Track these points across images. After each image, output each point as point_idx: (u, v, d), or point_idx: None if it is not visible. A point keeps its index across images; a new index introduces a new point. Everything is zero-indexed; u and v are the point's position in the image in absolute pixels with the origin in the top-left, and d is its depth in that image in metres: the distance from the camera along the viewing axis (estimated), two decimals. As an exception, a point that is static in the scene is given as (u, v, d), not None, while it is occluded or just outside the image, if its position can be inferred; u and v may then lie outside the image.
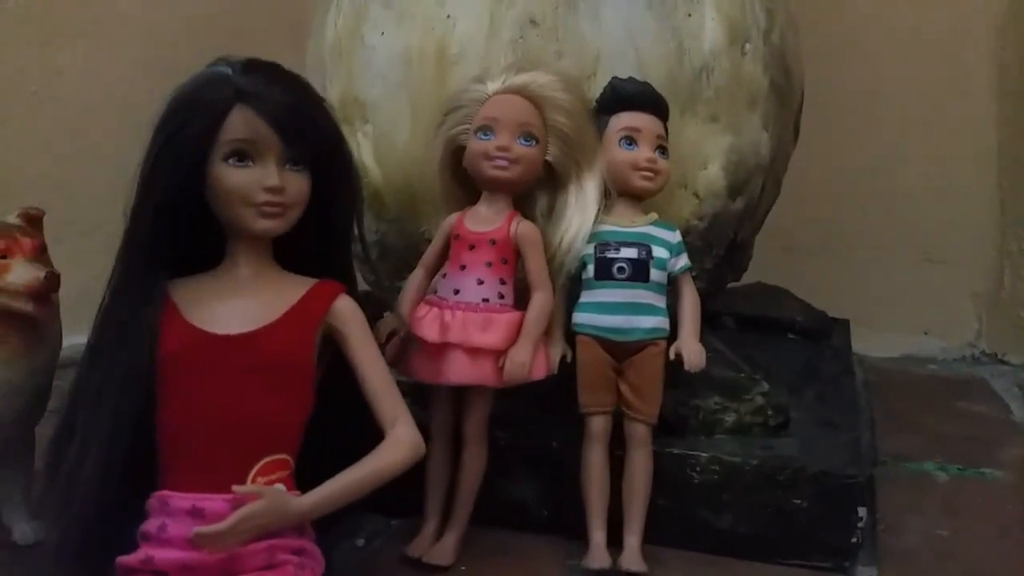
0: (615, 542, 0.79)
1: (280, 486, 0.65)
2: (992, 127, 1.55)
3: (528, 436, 0.86)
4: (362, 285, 1.00)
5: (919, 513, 0.91)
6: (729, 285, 1.34)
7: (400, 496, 0.81)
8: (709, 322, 1.24)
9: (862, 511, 0.76)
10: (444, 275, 0.81)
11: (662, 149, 0.84)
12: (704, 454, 0.81)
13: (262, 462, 0.65)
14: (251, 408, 0.66)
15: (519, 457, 0.86)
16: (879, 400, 1.30)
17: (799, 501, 0.77)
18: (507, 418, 0.85)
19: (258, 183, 0.67)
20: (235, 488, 0.62)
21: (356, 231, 0.77)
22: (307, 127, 0.69)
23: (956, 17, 1.54)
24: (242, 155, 0.67)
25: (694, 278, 0.99)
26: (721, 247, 1.01)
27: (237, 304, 0.68)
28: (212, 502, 0.63)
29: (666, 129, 0.85)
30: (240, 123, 0.66)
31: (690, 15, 0.90)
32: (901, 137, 1.56)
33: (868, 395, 1.31)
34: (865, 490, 0.78)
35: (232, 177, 0.67)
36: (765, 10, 0.95)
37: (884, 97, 1.56)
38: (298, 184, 0.69)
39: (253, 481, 0.64)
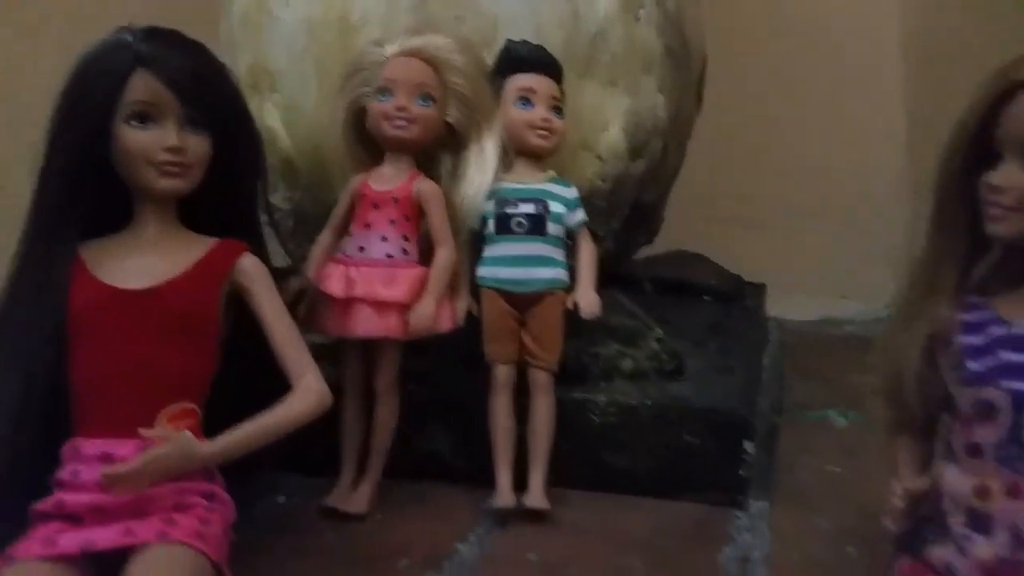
0: (523, 485, 0.83)
1: (187, 432, 0.67)
2: (902, 100, 1.62)
3: (441, 388, 0.89)
4: (285, 261, 1.03)
5: (815, 454, 0.96)
6: (651, 253, 1.39)
7: (322, 454, 0.84)
8: (628, 285, 1.30)
9: (749, 445, 0.81)
10: (350, 234, 0.84)
11: (557, 109, 0.88)
12: (603, 398, 0.85)
13: (169, 410, 0.68)
14: (157, 358, 0.68)
15: (433, 409, 0.89)
16: (793, 358, 1.35)
17: (691, 438, 0.82)
18: (421, 371, 0.88)
19: (158, 143, 0.70)
20: (142, 431, 0.65)
21: (262, 199, 0.80)
22: (206, 90, 0.71)
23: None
24: (143, 117, 0.69)
25: (603, 238, 1.03)
26: (626, 207, 1.05)
27: (143, 261, 0.71)
28: (121, 447, 0.65)
29: (561, 90, 0.89)
30: (140, 86, 0.69)
31: (584, -19, 0.94)
32: (817, 111, 1.62)
33: (782, 354, 1.36)
34: (752, 426, 0.83)
35: (133, 137, 0.70)
36: (658, -23, 0.99)
37: (800, 71, 1.62)
38: (198, 145, 0.71)
39: (161, 427, 0.67)
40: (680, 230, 1.43)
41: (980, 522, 0.55)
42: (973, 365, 0.57)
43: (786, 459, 0.94)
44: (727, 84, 1.40)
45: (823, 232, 1.66)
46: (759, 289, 1.45)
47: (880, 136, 1.63)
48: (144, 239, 0.72)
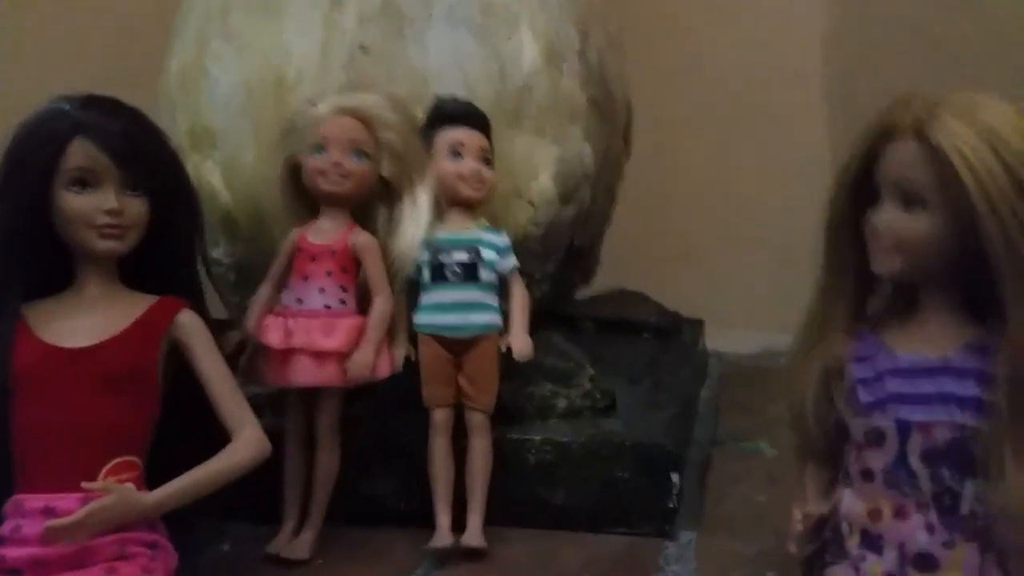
0: (463, 525, 0.85)
1: (129, 485, 0.69)
2: (826, 135, 1.70)
3: (382, 433, 0.91)
4: (226, 314, 1.05)
5: (744, 483, 0.99)
6: (594, 293, 1.44)
7: (267, 502, 0.86)
8: (570, 326, 1.34)
9: (676, 477, 0.85)
10: (288, 287, 0.87)
11: (486, 161, 0.92)
12: (538, 437, 0.88)
13: (111, 463, 0.70)
14: (98, 414, 0.70)
15: (375, 454, 0.91)
16: (730, 391, 1.40)
17: (622, 472, 0.85)
18: (362, 417, 0.91)
19: (98, 207, 0.73)
20: (85, 484, 0.67)
21: (200, 255, 0.83)
22: (142, 154, 0.74)
23: (787, 37, 1.69)
24: (82, 182, 0.72)
25: (538, 282, 1.07)
26: (560, 251, 1.09)
27: (84, 320, 0.73)
28: (64, 501, 0.67)
29: (490, 142, 0.93)
30: (79, 153, 0.72)
31: (509, 38, 0.99)
32: (746, 149, 1.68)
33: (719, 387, 1.41)
34: (679, 458, 0.86)
35: (73, 202, 0.73)
36: (579, 30, 1.05)
37: (726, 111, 1.69)
38: (136, 207, 0.74)
39: (103, 480, 0.68)
40: (622, 270, 1.48)
41: (872, 542, 0.59)
42: (864, 395, 0.61)
43: (716, 489, 0.98)
44: (657, 128, 1.46)
45: (759, 266, 1.72)
46: (697, 325, 1.50)
47: (807, 171, 1.68)
48: (86, 299, 0.75)
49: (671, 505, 0.85)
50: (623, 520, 0.86)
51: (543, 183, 1.03)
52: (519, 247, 0.96)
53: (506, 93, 0.98)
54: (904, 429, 0.59)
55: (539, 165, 1.02)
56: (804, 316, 0.67)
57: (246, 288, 1.05)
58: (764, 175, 1.69)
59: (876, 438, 0.60)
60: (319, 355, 0.83)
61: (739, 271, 1.71)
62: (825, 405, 0.63)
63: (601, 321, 1.37)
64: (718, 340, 1.59)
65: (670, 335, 1.38)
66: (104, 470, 0.69)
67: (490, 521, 0.86)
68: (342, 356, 0.84)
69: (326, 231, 0.87)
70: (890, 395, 0.60)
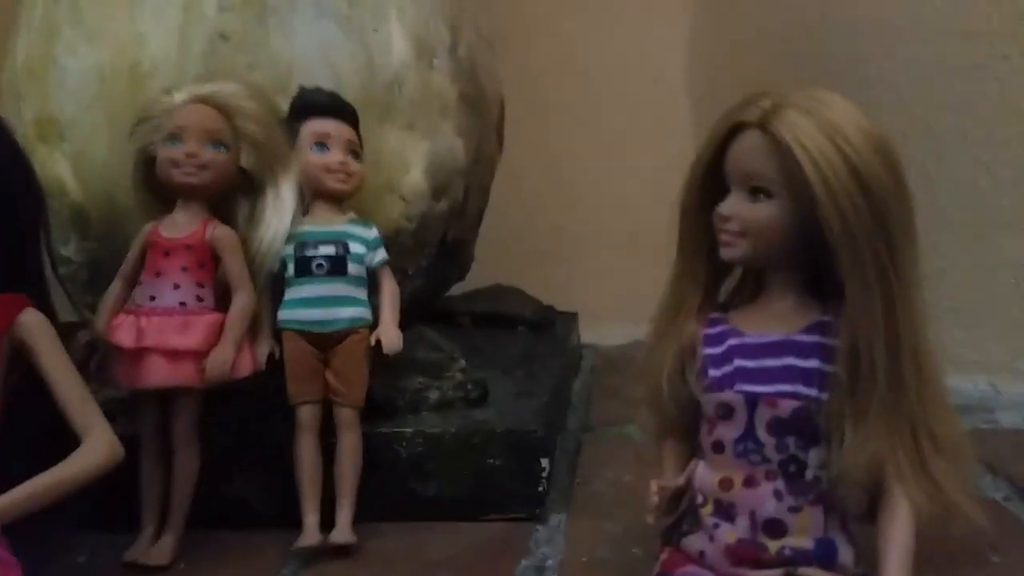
0: (333, 523, 0.84)
1: (-38, 494, 0.65)
2: (690, 133, 1.77)
3: (247, 433, 0.89)
4: (75, 315, 0.99)
5: (613, 466, 1.02)
6: (470, 288, 1.44)
7: (124, 510, 0.82)
8: (447, 320, 1.33)
9: (544, 462, 0.86)
10: (141, 284, 0.83)
11: (354, 153, 0.91)
12: (409, 429, 0.87)
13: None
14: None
15: (239, 455, 0.89)
16: (602, 380, 1.43)
17: (492, 460, 0.86)
18: (226, 419, 0.88)
19: None
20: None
21: (47, 252, 0.78)
22: None
23: (653, 38, 1.74)
24: None
25: (411, 276, 1.07)
26: (433, 246, 1.09)
27: None
28: None
29: (358, 134, 0.92)
30: None
31: (376, 31, 0.98)
32: (615, 146, 1.73)
33: (592, 378, 1.44)
34: (548, 443, 0.88)
35: None
36: (449, 27, 1.05)
37: (595, 109, 1.73)
38: None
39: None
40: (498, 265, 1.50)
41: (725, 511, 0.62)
42: (714, 372, 0.64)
43: (587, 473, 1.00)
44: (530, 125, 1.48)
45: (629, 261, 1.77)
46: (571, 318, 1.53)
47: (672, 167, 1.75)
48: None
49: (540, 489, 0.86)
50: (496, 507, 0.87)
51: (414, 177, 1.02)
52: (391, 242, 0.96)
53: (375, 86, 0.97)
54: (751, 402, 0.62)
55: (410, 160, 1.02)
56: (660, 300, 0.69)
57: (99, 288, 1.00)
58: (631, 173, 1.74)
59: (726, 412, 0.63)
60: (174, 354, 0.80)
61: (609, 265, 1.76)
62: (679, 383, 0.66)
63: (477, 316, 1.38)
64: (591, 333, 1.63)
65: (544, 328, 1.40)
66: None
67: (362, 517, 0.84)
68: (199, 355, 0.80)
69: (181, 225, 0.84)
70: (737, 370, 0.63)
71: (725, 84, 1.66)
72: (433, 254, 1.10)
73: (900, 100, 1.27)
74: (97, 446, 0.71)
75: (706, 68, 1.72)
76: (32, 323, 0.72)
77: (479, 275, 1.39)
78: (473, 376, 0.94)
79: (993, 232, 1.24)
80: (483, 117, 1.14)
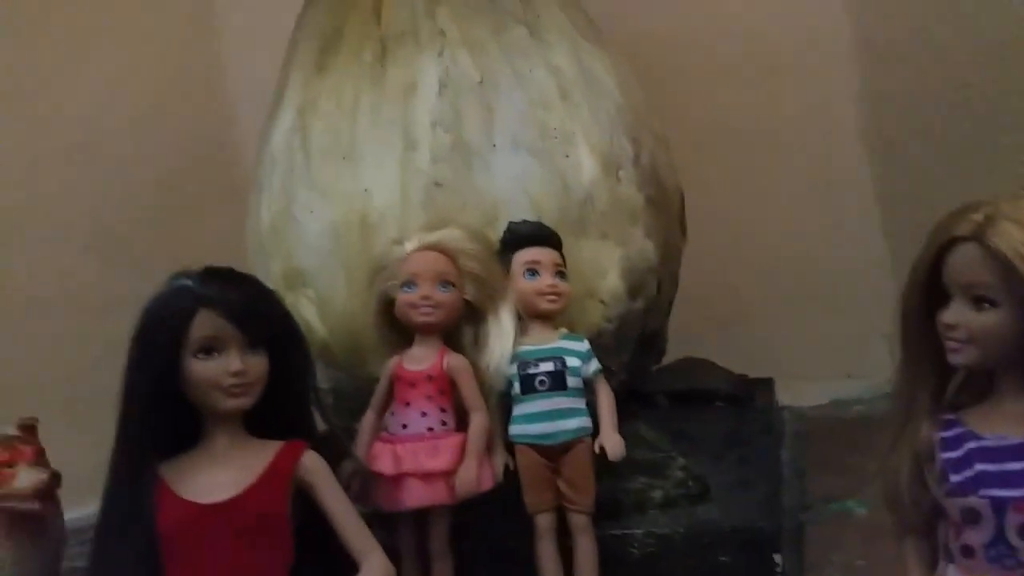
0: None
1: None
2: (868, 184, 1.74)
3: (490, 540, 0.97)
4: (322, 427, 1.12)
5: (840, 548, 1.03)
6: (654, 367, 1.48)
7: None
8: (644, 401, 1.38)
9: (778, 557, 0.89)
10: (392, 413, 0.94)
11: (561, 274, 0.99)
12: (639, 530, 0.93)
13: (257, 605, 0.76)
14: (242, 563, 0.77)
15: (485, 559, 0.97)
16: (810, 446, 1.42)
17: (724, 558, 0.90)
18: (470, 527, 0.96)
19: (224, 370, 0.80)
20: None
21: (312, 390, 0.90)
22: (260, 316, 0.82)
23: (816, 95, 1.74)
24: (208, 349, 0.80)
25: (615, 372, 1.13)
26: (632, 341, 1.15)
27: (218, 474, 0.80)
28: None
29: (562, 256, 1.00)
30: (205, 323, 0.80)
31: (568, 156, 1.06)
32: (788, 208, 1.73)
33: (798, 445, 1.44)
34: (779, 537, 0.90)
35: (201, 368, 0.80)
36: (631, 140, 1.12)
37: (769, 174, 1.74)
38: (258, 364, 0.82)
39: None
40: (684, 335, 1.53)
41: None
42: (955, 477, 0.66)
43: (814, 558, 1.01)
44: (705, 199, 1.51)
45: (817, 317, 1.75)
46: (767, 384, 1.53)
47: (854, 220, 1.74)
48: (217, 453, 0.82)
49: (775, 584, 0.89)
50: (730, 603, 0.90)
51: (611, 282, 1.09)
52: (594, 343, 1.02)
53: (569, 206, 1.06)
54: (999, 507, 0.63)
55: (606, 266, 1.09)
56: (890, 403, 0.72)
57: (343, 409, 1.13)
58: (812, 230, 1.73)
59: (972, 517, 0.65)
60: (427, 476, 0.90)
61: (797, 325, 1.74)
62: (919, 487, 0.68)
63: (673, 394, 1.42)
64: (785, 394, 1.62)
65: (742, 400, 1.42)
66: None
67: (604, 615, 0.90)
68: (448, 474, 0.90)
69: (420, 358, 0.94)
70: (979, 474, 0.65)
71: (903, 135, 1.64)
72: (633, 348, 1.16)
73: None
74: (375, 568, 0.81)
75: (881, 118, 1.70)
76: (312, 464, 0.83)
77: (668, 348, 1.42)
78: (693, 473, 0.99)
79: None
80: (667, 212, 1.19)
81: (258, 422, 0.85)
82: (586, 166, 1.07)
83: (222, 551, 0.77)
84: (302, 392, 0.88)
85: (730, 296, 1.75)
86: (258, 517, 0.78)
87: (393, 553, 0.88)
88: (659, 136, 1.22)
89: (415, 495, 0.90)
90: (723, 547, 0.90)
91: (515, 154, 1.05)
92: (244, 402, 0.81)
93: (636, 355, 1.18)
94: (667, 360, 1.49)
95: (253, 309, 0.82)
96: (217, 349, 0.80)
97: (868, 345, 1.74)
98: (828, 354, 1.74)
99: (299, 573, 0.81)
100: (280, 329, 0.84)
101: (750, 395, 1.44)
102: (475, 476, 0.90)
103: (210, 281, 0.81)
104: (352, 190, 1.05)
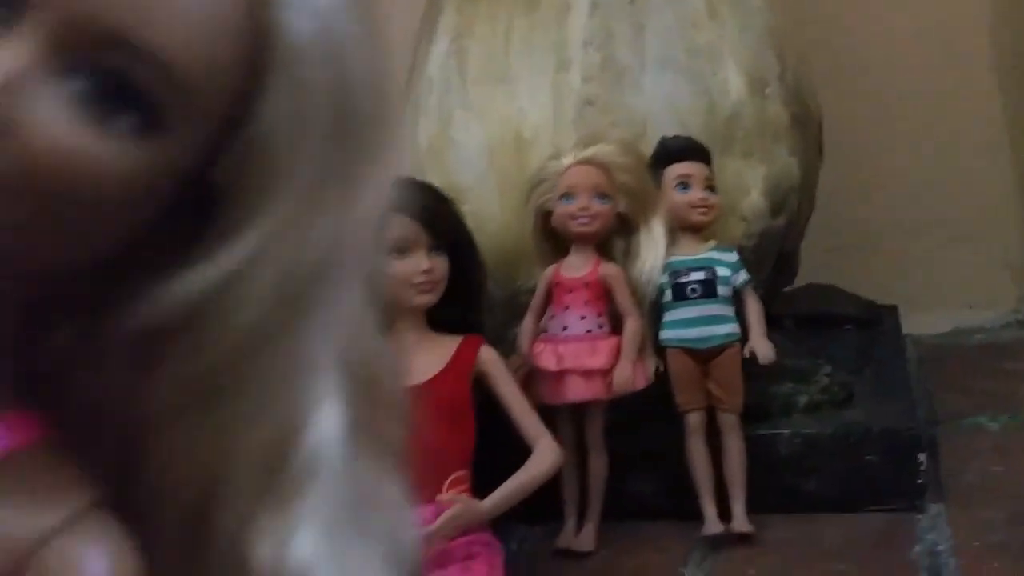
0: (724, 514, 0.96)
1: (465, 496, 0.84)
2: (998, 112, 1.71)
3: (641, 437, 1.03)
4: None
5: (976, 457, 1.06)
6: (784, 289, 1.51)
7: (539, 506, 1.00)
8: (771, 324, 1.42)
9: (923, 457, 0.93)
10: (552, 316, 1.01)
11: (711, 188, 1.03)
12: (786, 431, 0.98)
13: (450, 478, 0.85)
14: (437, 439, 0.85)
15: (635, 456, 1.03)
16: (934, 371, 1.44)
17: (871, 457, 0.94)
18: (621, 425, 1.03)
19: (415, 269, 0.88)
20: (438, 497, 0.82)
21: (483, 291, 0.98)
22: (444, 220, 0.90)
23: (952, 22, 1.71)
24: (400, 249, 0.88)
25: (753, 288, 1.17)
26: (771, 259, 1.19)
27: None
28: (421, 512, 0.83)
29: (711, 171, 1.04)
30: (398, 226, 0.87)
31: (716, 74, 1.09)
32: (917, 135, 1.72)
33: (923, 369, 1.46)
34: (924, 440, 0.94)
35: (394, 268, 0.88)
36: (777, 56, 1.14)
37: (899, 100, 1.72)
38: (442, 264, 0.90)
39: (446, 493, 0.84)
40: (807, 263, 1.55)
41: None
42: None
43: (951, 465, 1.05)
44: (835, 125, 1.52)
45: (941, 247, 1.75)
46: (892, 311, 1.55)
47: (983, 148, 1.71)
48: (404, 345, 0.90)
49: (920, 482, 0.93)
50: (874, 500, 0.95)
51: (754, 199, 1.12)
52: (736, 260, 1.06)
53: (716, 124, 1.09)
54: None
55: (749, 184, 1.12)
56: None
57: (493, 315, 1.20)
58: (939, 156, 1.72)
59: None
60: (587, 373, 0.96)
61: (921, 256, 1.74)
62: None
63: (801, 317, 1.45)
64: (907, 323, 1.63)
65: (871, 324, 1.44)
66: (446, 484, 0.85)
67: (750, 510, 0.96)
68: (606, 372, 0.96)
69: (577, 266, 1.01)
70: None
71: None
72: (770, 268, 1.20)
73: None
74: (547, 452, 0.89)
75: (1010, 43, 1.66)
76: (488, 357, 0.91)
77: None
78: (839, 379, 1.03)
79: None
80: (809, 132, 1.22)
81: (437, 318, 0.93)
82: (733, 84, 1.10)
83: (422, 428, 0.85)
84: (476, 292, 0.96)
85: (855, 223, 1.75)
86: (448, 399, 0.87)
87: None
88: (803, 55, 1.24)
89: (576, 390, 0.97)
90: (869, 447, 0.95)
91: (662, 72, 1.08)
92: (431, 298, 0.89)
93: (771, 275, 1.22)
94: (788, 288, 1.52)
95: (438, 213, 0.89)
96: (408, 249, 0.88)
97: (990, 275, 1.74)
98: (949, 283, 1.74)
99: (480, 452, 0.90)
100: (459, 233, 0.92)
101: (880, 319, 1.47)
102: (630, 375, 0.96)
103: (400, 188, 0.89)
104: (507, 110, 1.11)
